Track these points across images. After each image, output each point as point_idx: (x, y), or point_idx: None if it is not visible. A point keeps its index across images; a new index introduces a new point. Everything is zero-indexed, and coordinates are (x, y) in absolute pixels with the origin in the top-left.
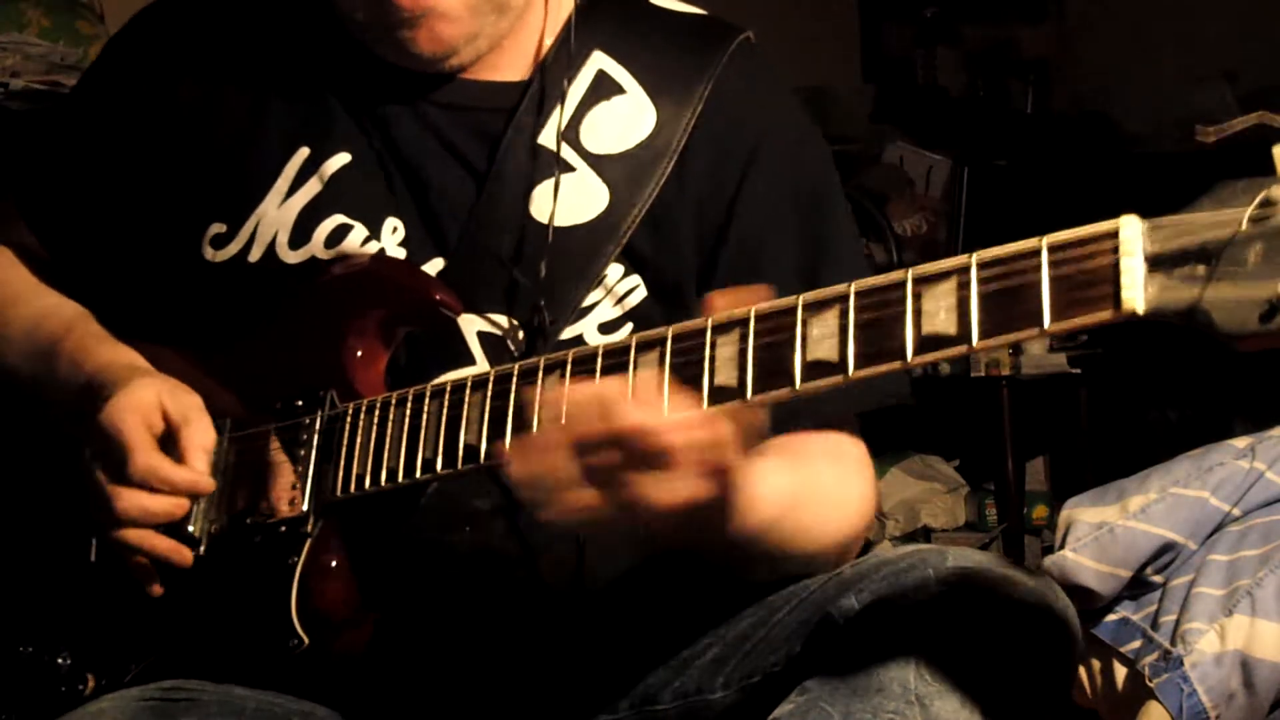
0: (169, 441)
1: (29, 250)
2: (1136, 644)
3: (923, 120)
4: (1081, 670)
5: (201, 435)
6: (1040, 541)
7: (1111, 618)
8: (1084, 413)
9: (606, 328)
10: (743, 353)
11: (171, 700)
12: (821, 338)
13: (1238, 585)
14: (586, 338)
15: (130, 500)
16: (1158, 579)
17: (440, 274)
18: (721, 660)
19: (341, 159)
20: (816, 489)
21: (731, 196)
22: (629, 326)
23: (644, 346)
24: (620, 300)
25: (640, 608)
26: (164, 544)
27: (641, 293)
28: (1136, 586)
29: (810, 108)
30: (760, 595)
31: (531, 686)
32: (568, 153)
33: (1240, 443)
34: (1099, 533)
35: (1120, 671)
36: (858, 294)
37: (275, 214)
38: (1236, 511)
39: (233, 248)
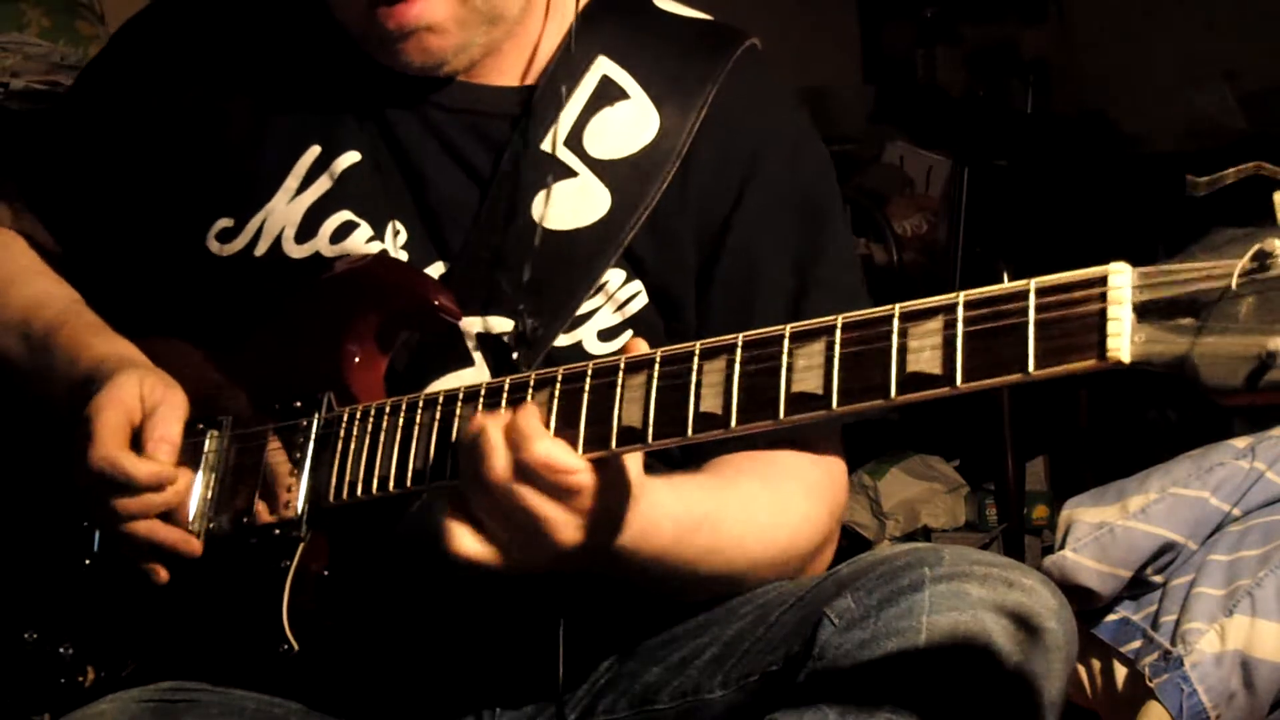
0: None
1: (33, 239)
2: (1136, 644)
3: (923, 120)
4: (1081, 670)
5: (164, 426)
6: (1040, 541)
7: (1111, 618)
8: (1084, 413)
9: (606, 334)
10: (729, 380)
11: (171, 701)
12: (807, 370)
13: (1238, 585)
14: (585, 344)
15: (100, 499)
16: (1158, 579)
17: (441, 278)
18: (719, 660)
19: (351, 157)
20: (735, 511)
21: (731, 205)
22: (628, 334)
23: (633, 368)
24: (621, 307)
25: (638, 608)
26: (171, 534)
27: (642, 299)
28: (1136, 586)
29: (810, 108)
30: (757, 596)
31: (530, 688)
32: (570, 158)
33: (1240, 443)
34: (1099, 533)
35: (1120, 671)
36: (844, 327)
37: (284, 210)
38: (1237, 511)
39: (239, 242)
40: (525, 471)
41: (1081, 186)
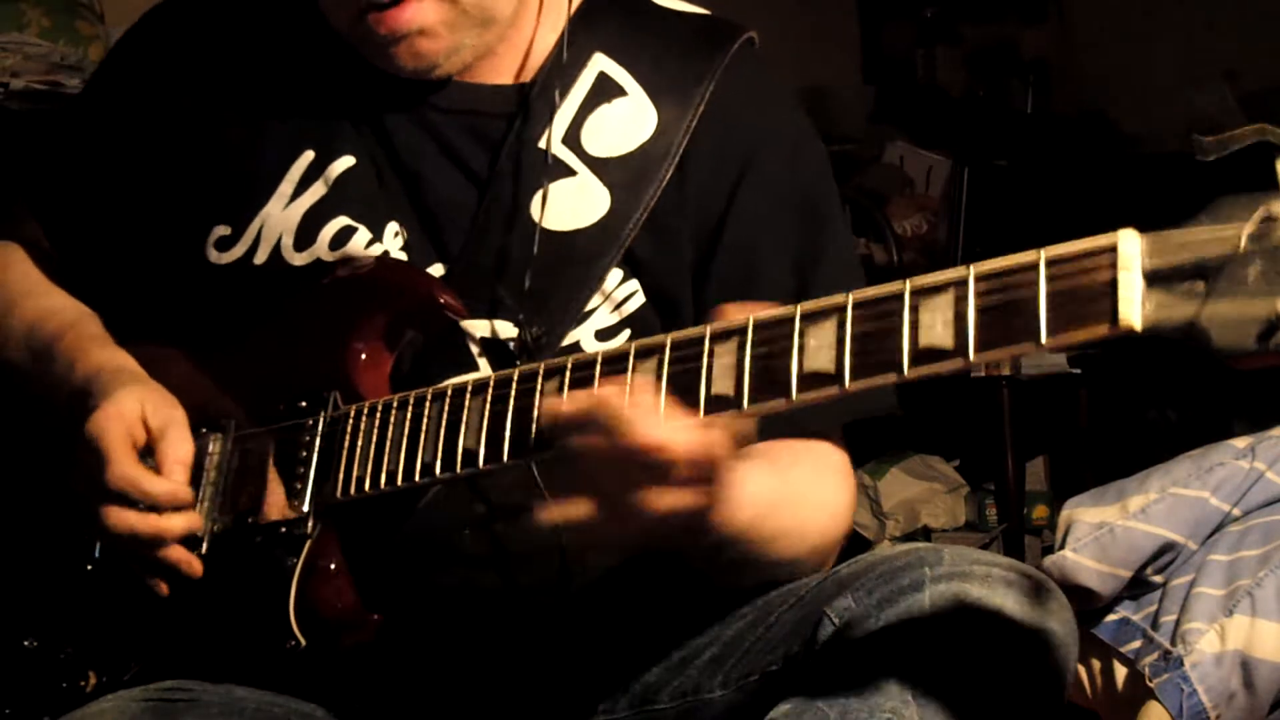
0: (150, 453)
1: (41, 249)
2: (1136, 644)
3: (923, 120)
4: (1081, 670)
5: (177, 447)
6: (1040, 541)
7: (1111, 618)
8: (1084, 413)
9: (604, 334)
10: (740, 362)
11: (171, 700)
12: (818, 349)
13: (1238, 585)
14: (584, 344)
15: (116, 518)
16: (1158, 579)
17: (441, 279)
18: (720, 660)
19: (346, 162)
20: (797, 493)
21: (727, 201)
22: (626, 333)
23: (643, 354)
24: (618, 306)
25: (637, 608)
26: (174, 553)
27: (639, 299)
28: (1136, 586)
29: (810, 108)
30: (757, 595)
31: (530, 687)
32: (569, 156)
33: (1240, 443)
34: (1099, 533)
35: (1120, 671)
36: (855, 305)
37: (280, 216)
38: (1237, 511)
39: (237, 250)
40: (637, 452)
41: (1081, 186)
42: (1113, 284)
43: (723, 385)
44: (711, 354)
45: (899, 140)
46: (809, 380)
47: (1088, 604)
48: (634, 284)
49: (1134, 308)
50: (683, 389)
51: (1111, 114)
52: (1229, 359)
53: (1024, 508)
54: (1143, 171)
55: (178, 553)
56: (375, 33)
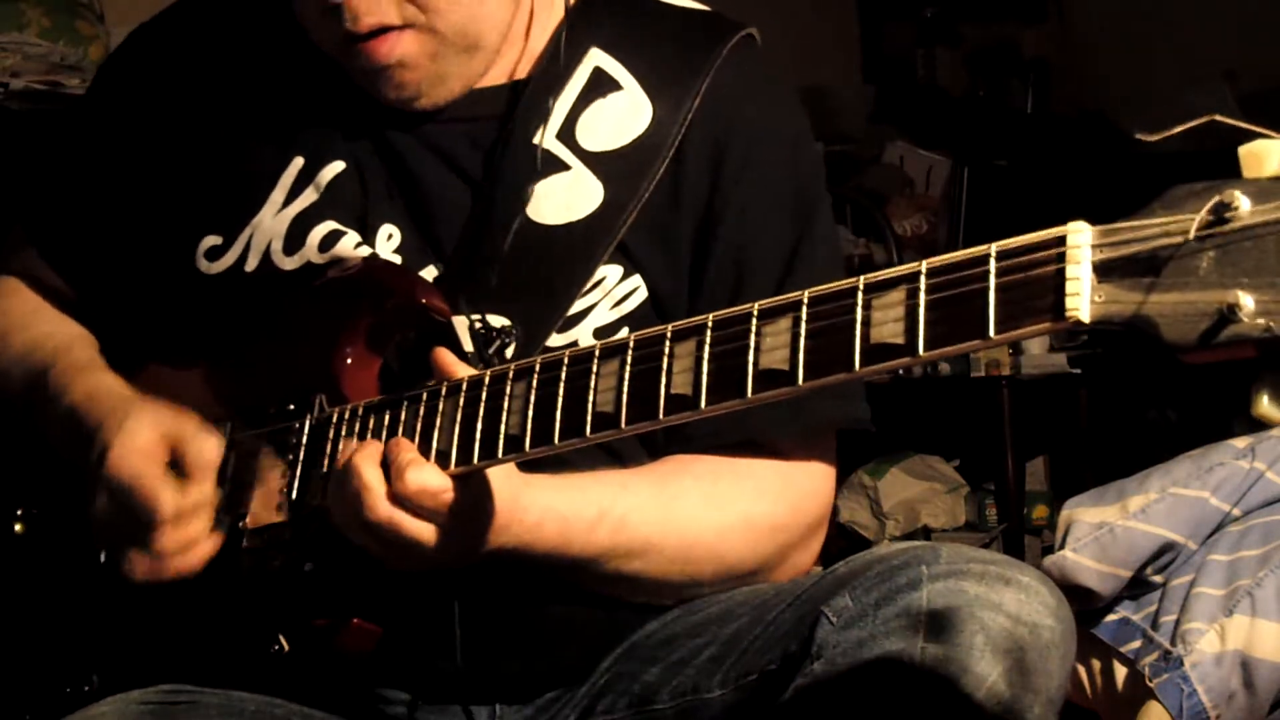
0: (177, 466)
1: (35, 277)
2: (1136, 644)
3: (923, 120)
4: (1081, 670)
5: (207, 453)
6: (1040, 541)
7: (1111, 618)
8: (1084, 413)
9: (601, 332)
10: (698, 361)
11: (172, 703)
12: (773, 347)
13: (1238, 585)
14: (581, 343)
15: (172, 539)
16: (1158, 579)
17: (436, 280)
18: (718, 659)
19: (336, 167)
20: (647, 508)
21: (724, 195)
22: (625, 331)
23: (607, 354)
24: (618, 303)
25: (635, 609)
26: (210, 545)
27: (642, 294)
28: (1136, 586)
29: (810, 108)
30: (754, 595)
31: (528, 687)
32: (562, 151)
33: (1240, 443)
34: (1099, 533)
35: (1120, 671)
36: (810, 301)
37: (271, 223)
38: (1236, 511)
39: (228, 259)
40: (401, 501)
41: (1081, 186)
42: (1060, 276)
43: (681, 385)
44: (671, 354)
45: (899, 140)
46: (764, 379)
47: (1088, 604)
48: (635, 280)
49: (1081, 301)
50: (643, 389)
51: (1111, 114)
52: (1179, 353)
53: (1024, 508)
54: (1142, 171)
55: (211, 544)
56: (357, 63)
